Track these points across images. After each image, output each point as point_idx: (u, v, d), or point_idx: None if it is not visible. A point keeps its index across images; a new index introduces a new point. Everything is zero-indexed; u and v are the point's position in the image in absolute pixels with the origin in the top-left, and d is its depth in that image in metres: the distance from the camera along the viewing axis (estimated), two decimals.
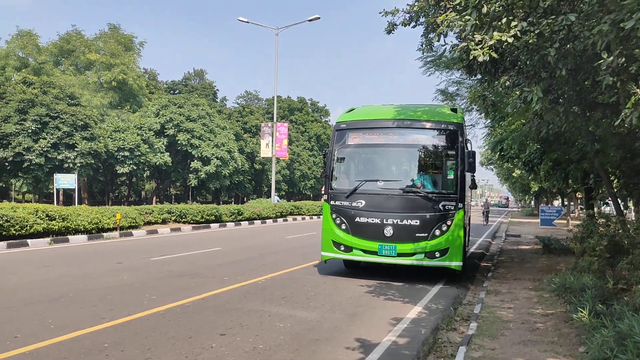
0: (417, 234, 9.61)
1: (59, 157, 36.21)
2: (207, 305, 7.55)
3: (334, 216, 10.27)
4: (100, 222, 17.47)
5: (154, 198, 54.28)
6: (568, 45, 6.49)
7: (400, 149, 10.48)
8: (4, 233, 14.10)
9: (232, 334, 6.12)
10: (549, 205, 39.02)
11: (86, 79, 48.35)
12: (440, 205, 9.59)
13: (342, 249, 10.15)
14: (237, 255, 13.55)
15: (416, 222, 9.61)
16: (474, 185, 10.98)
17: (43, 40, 50.09)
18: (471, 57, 6.21)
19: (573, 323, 6.29)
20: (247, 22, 33.66)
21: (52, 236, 15.56)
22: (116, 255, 13.01)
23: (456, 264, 9.66)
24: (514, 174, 44.50)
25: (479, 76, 8.75)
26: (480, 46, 6.13)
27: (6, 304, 7.27)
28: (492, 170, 54.32)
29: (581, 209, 44.72)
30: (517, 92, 8.43)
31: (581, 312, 5.62)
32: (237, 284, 9.29)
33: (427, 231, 9.57)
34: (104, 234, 17.31)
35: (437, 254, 9.58)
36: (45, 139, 35.61)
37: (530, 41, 6.03)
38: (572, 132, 10.15)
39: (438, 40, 7.10)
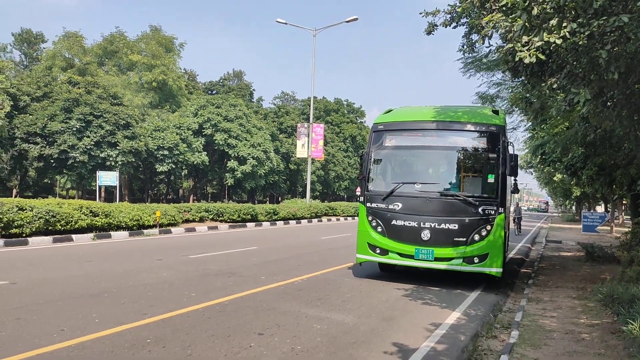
0: (455, 239, 9.36)
1: (102, 155, 37.26)
2: (245, 305, 7.61)
3: (369, 218, 10.12)
4: (141, 219, 17.90)
5: (191, 196, 55.23)
6: (616, 48, 6.27)
7: (439, 151, 10.21)
8: (50, 228, 14.61)
9: (270, 334, 6.15)
10: (592, 211, 37.84)
11: (128, 79, 49.61)
12: (480, 210, 9.32)
13: (378, 251, 9.98)
14: (273, 254, 13.64)
15: (455, 226, 9.37)
16: (515, 190, 10.65)
17: (88, 41, 51.56)
18: (517, 59, 6.06)
19: (621, 335, 6.06)
20: (286, 23, 33.89)
21: (96, 232, 16.04)
22: (156, 252, 13.29)
23: (496, 270, 9.38)
24: (554, 178, 43.30)
25: (522, 78, 8.55)
26: (527, 48, 5.98)
27: (53, 298, 7.52)
28: (532, 174, 53.03)
29: (626, 216, 43.15)
30: (562, 95, 8.20)
31: (632, 324, 5.40)
32: (273, 284, 9.34)
33: (465, 236, 9.31)
34: (144, 231, 17.72)
35: (476, 259, 9.32)
36: (89, 137, 36.70)
37: (580, 43, 5.84)
38: (619, 137, 9.81)
39: (483, 43, 6.95)
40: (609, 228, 31.25)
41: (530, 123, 17.44)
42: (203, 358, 5.16)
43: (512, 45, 6.07)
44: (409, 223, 9.64)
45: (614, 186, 19.26)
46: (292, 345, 5.76)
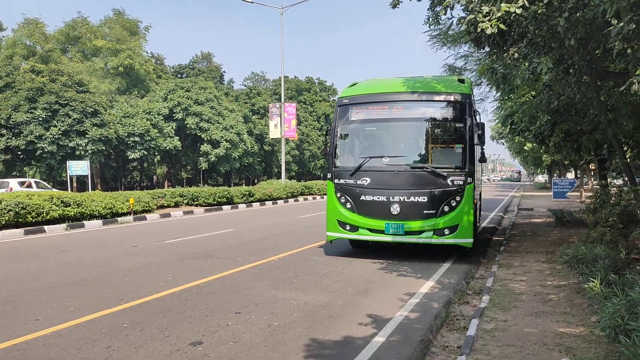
0: (425, 211, 9.35)
1: (71, 144, 36.49)
2: (222, 285, 7.67)
3: (338, 195, 10.03)
4: (114, 207, 17.69)
5: (166, 182, 54.65)
6: (578, 14, 6.39)
7: (405, 123, 10.10)
8: (20, 220, 14.35)
9: (247, 312, 6.23)
10: (562, 178, 38.77)
11: (93, 65, 48.37)
12: (448, 181, 9.29)
13: (348, 228, 9.92)
14: (250, 236, 13.68)
15: (424, 199, 9.34)
16: (483, 159, 10.72)
17: (49, 28, 50.00)
18: (479, 30, 6.13)
19: (585, 293, 6.32)
20: (252, 2, 33.37)
21: (68, 222, 15.81)
22: (131, 239, 13.19)
23: (466, 240, 9.42)
24: (525, 148, 44.08)
25: (487, 49, 8.64)
26: (487, 18, 6.05)
27: (27, 288, 7.45)
28: (504, 144, 53.83)
29: (595, 181, 44.31)
30: (527, 64, 8.34)
31: (593, 281, 5.63)
32: (250, 264, 9.41)
33: (435, 208, 9.32)
34: (119, 219, 17.54)
35: (447, 231, 9.33)
36: (56, 126, 35.86)
37: (539, 11, 5.95)
38: (583, 103, 10.03)
39: (445, 14, 7.01)
40: (578, 193, 32.09)
41: (499, 94, 17.65)
42: (181, 339, 5.21)
43: (473, 16, 6.13)
44: (378, 198, 9.59)
45: (581, 152, 19.76)
46: (269, 321, 5.85)
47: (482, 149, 10.51)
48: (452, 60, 15.89)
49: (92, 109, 37.75)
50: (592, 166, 35.21)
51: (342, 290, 7.44)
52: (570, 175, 52.66)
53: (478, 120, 10.01)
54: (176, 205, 22.55)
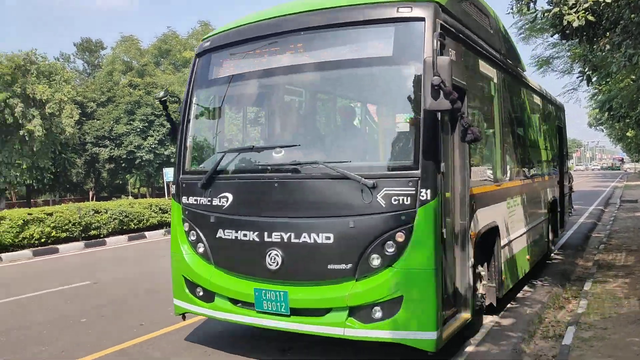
0: (330, 266, 4.39)
1: (166, 152, 38.87)
2: None
3: (186, 228, 5.26)
4: None
5: None
6: None
7: (302, 76, 5.18)
8: (124, 227, 15.57)
9: None
10: None
11: (183, 76, 51.13)
12: (379, 197, 4.21)
13: (200, 294, 5.09)
14: None
15: (328, 238, 4.38)
16: (472, 137, 4.22)
17: (144, 43, 53.51)
18: (565, 23, 5.82)
19: None
20: None
21: (166, 227, 16.87)
22: None
23: (420, 336, 4.16)
24: (628, 134, 40.73)
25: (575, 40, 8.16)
26: (574, 10, 5.73)
27: (133, 293, 8.10)
28: (603, 131, 50.09)
29: None
30: (621, 51, 7.78)
31: None
32: None
33: (352, 258, 4.31)
34: None
35: (377, 312, 4.24)
36: (152, 136, 38.41)
37: None
38: None
39: (528, 10, 6.71)
40: None
41: (594, 79, 16.56)
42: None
43: (558, 9, 5.82)
44: (244, 234, 4.79)
45: None
46: None
47: (464, 121, 4.29)
48: (541, 50, 15.03)
49: None
50: None
51: None
52: None
53: (446, 63, 3.94)
54: None
